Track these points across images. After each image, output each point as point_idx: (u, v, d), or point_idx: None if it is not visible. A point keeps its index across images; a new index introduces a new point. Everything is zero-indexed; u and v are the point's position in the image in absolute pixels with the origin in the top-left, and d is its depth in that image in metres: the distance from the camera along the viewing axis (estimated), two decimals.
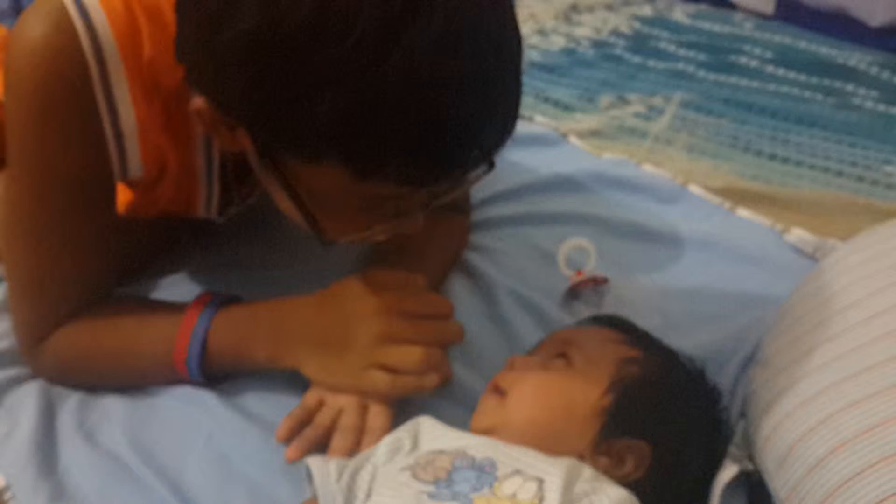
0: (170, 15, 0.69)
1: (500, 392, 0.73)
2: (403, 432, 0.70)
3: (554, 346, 0.76)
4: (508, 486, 0.61)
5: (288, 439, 0.77)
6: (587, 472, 0.63)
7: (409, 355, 0.74)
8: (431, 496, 0.60)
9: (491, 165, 0.69)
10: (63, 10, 0.70)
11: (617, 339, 0.76)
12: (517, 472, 0.62)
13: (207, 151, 0.81)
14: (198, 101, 0.65)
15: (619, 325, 0.80)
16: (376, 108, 0.56)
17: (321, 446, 0.76)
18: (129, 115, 0.74)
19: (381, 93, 0.56)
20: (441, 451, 0.65)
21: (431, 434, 0.70)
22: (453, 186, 0.69)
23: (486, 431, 0.70)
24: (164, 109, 0.75)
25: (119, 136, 0.75)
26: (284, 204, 0.70)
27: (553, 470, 0.62)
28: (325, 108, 0.56)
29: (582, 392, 0.70)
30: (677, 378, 0.75)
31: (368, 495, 0.64)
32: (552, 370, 0.73)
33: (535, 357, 0.76)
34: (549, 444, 0.66)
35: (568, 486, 0.60)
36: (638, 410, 0.70)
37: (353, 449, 0.75)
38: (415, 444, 0.69)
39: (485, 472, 0.62)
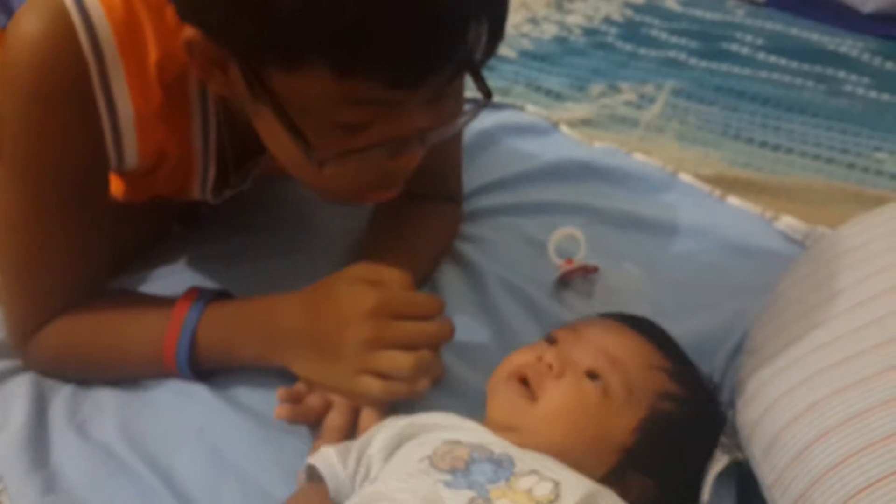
0: (170, 8, 0.69)
1: (530, 393, 0.69)
2: (402, 427, 0.70)
3: (590, 355, 0.71)
4: (525, 482, 0.61)
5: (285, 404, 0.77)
6: (608, 498, 0.63)
7: (401, 362, 0.72)
8: (448, 485, 0.60)
9: (487, 95, 0.69)
10: (60, 5, 0.70)
11: (658, 366, 0.72)
12: (534, 471, 0.62)
13: (204, 132, 0.81)
14: (188, 31, 0.65)
15: (661, 343, 0.76)
16: None
17: (311, 420, 0.77)
18: (127, 109, 0.74)
19: None
20: (459, 442, 0.65)
21: (431, 423, 0.70)
22: (446, 116, 0.68)
23: (506, 428, 0.68)
24: (164, 97, 0.75)
25: (117, 130, 0.75)
26: (276, 142, 0.69)
27: (572, 478, 0.62)
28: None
29: (614, 425, 0.68)
30: (703, 419, 0.74)
31: (373, 482, 0.65)
32: (589, 392, 0.68)
33: (570, 362, 0.70)
34: (566, 463, 0.65)
35: (587, 498, 0.60)
36: (659, 452, 0.68)
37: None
38: (412, 437, 0.69)
39: (502, 467, 0.62)
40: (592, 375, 0.70)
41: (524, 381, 0.70)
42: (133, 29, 0.72)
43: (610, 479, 0.65)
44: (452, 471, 0.61)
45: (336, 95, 0.62)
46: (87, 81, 0.72)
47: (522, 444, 0.65)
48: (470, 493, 0.59)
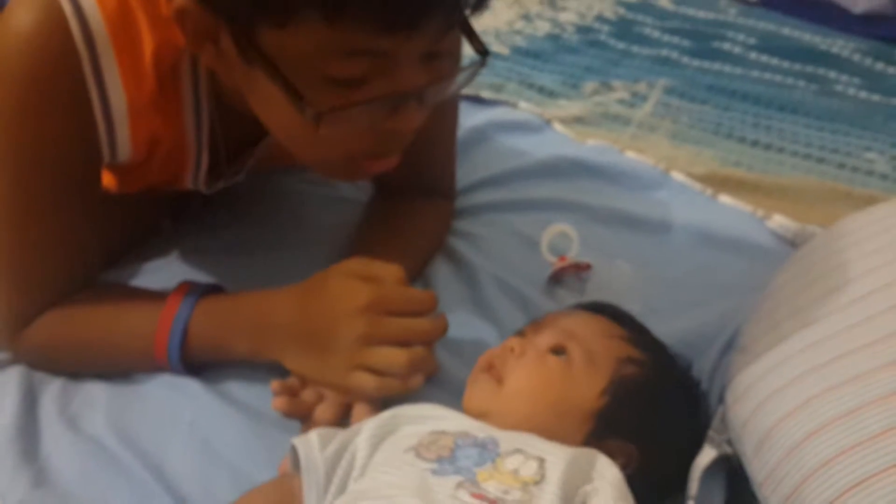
0: None
1: (496, 376, 0.72)
2: (387, 418, 0.70)
3: (554, 334, 0.75)
4: (511, 463, 0.61)
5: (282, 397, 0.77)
6: (589, 456, 0.64)
7: (394, 358, 0.73)
8: (435, 473, 0.61)
9: (483, 55, 0.69)
10: None
11: (617, 335, 0.75)
12: (518, 450, 0.63)
13: (197, 121, 0.80)
14: (179, 1, 0.64)
15: (618, 317, 0.79)
16: None
17: (305, 415, 0.77)
18: (119, 100, 0.74)
19: None
20: (443, 432, 0.65)
21: (416, 415, 0.70)
22: (443, 73, 0.68)
23: (480, 414, 0.70)
24: (157, 86, 0.75)
25: (109, 120, 0.75)
26: (271, 110, 0.69)
27: (555, 451, 0.63)
28: None
29: (580, 392, 0.70)
30: (670, 379, 0.75)
31: (362, 473, 0.65)
32: (552, 366, 0.72)
33: (533, 343, 0.75)
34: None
35: (568, 467, 0.61)
36: (630, 413, 0.70)
37: None
38: (397, 429, 0.69)
39: (487, 449, 0.63)
40: (555, 350, 0.73)
41: (493, 374, 0.73)
42: (126, 19, 0.71)
43: (590, 446, 0.67)
44: (439, 459, 0.62)
45: (329, 47, 0.62)
46: (80, 73, 0.71)
47: (499, 426, 0.67)
48: (457, 478, 0.60)
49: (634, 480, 0.66)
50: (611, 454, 0.67)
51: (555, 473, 0.60)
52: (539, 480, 0.60)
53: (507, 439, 0.64)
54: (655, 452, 0.69)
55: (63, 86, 0.72)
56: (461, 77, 0.71)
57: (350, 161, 0.74)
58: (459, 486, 0.59)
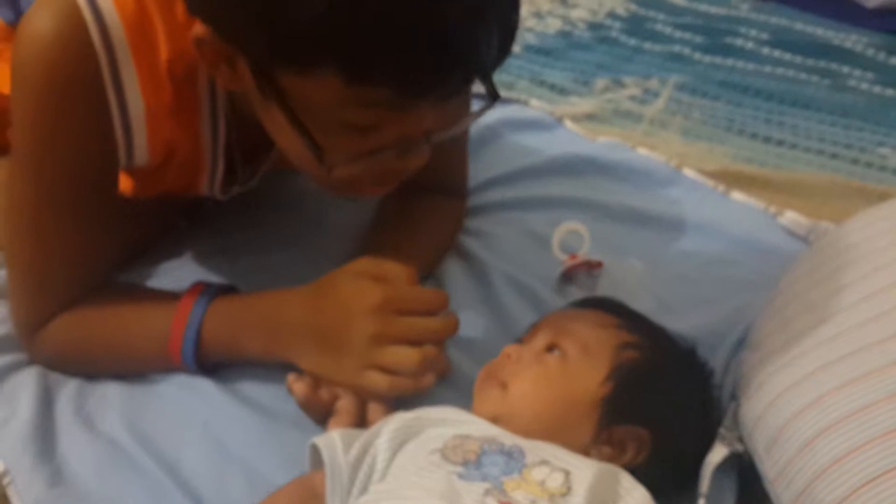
0: (180, 4, 0.70)
1: (499, 383, 0.73)
2: (409, 420, 0.70)
3: (547, 334, 0.76)
4: (538, 473, 0.62)
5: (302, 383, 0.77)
6: (614, 474, 0.64)
7: (407, 357, 0.73)
8: (461, 476, 0.61)
9: (494, 98, 0.69)
10: (72, 2, 0.70)
11: (610, 324, 0.76)
12: (544, 461, 0.63)
13: (214, 128, 0.81)
14: (198, 28, 0.65)
15: (611, 308, 0.80)
16: (358, 1, 0.56)
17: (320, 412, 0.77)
18: (137, 105, 0.74)
19: None
20: (469, 436, 0.66)
21: (439, 418, 0.71)
22: (454, 116, 0.69)
23: (491, 421, 0.70)
24: (174, 94, 0.76)
25: (127, 126, 0.75)
26: (284, 139, 0.70)
27: (580, 464, 0.63)
28: (307, 4, 0.57)
29: (581, 383, 0.71)
30: (672, 360, 0.76)
31: (384, 475, 0.65)
32: (549, 363, 0.73)
33: (529, 346, 0.75)
34: (554, 436, 0.67)
35: (595, 483, 0.61)
36: (636, 397, 0.70)
37: None
38: (420, 431, 0.70)
39: (513, 458, 0.63)
40: (550, 348, 0.74)
41: (497, 381, 0.73)
42: (144, 25, 0.72)
43: (601, 436, 0.68)
44: (465, 463, 0.62)
45: (346, 99, 0.63)
46: (99, 78, 0.72)
47: (512, 430, 0.68)
48: (485, 485, 0.60)
49: (650, 468, 0.66)
50: (623, 440, 0.68)
51: (581, 486, 0.61)
52: (566, 493, 0.60)
53: (533, 449, 0.65)
54: (668, 434, 0.70)
55: (82, 91, 0.72)
56: (469, 118, 0.74)
57: (356, 187, 0.76)
58: (487, 492, 0.59)
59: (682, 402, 0.73)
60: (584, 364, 0.72)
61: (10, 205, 0.80)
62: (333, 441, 0.68)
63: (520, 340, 0.78)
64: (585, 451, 0.68)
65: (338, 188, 0.77)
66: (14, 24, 0.92)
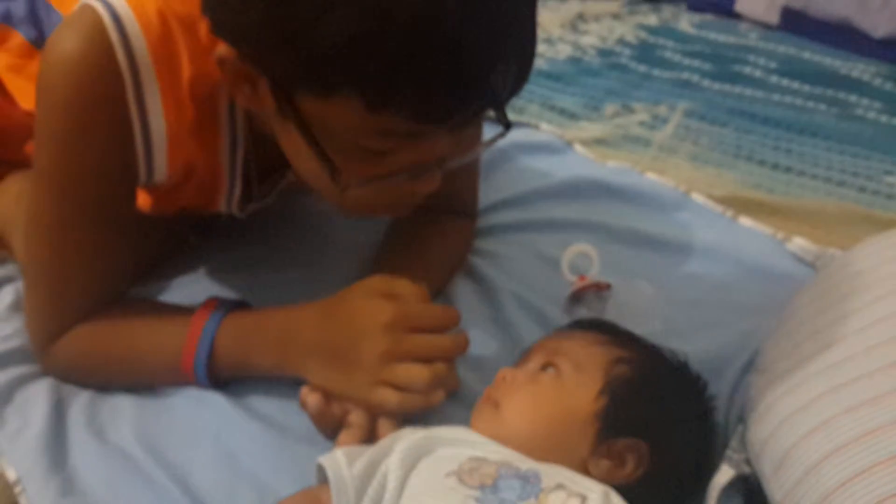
0: (203, 25, 0.71)
1: (493, 403, 0.74)
2: (420, 439, 0.70)
3: (541, 355, 0.76)
4: (554, 499, 0.62)
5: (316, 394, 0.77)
6: (619, 499, 0.65)
7: (417, 374, 0.74)
8: (478, 501, 0.61)
9: (506, 127, 0.71)
10: (99, 23, 0.71)
11: (602, 341, 0.77)
12: (560, 486, 0.63)
13: (232, 148, 0.82)
14: (222, 48, 0.67)
15: (602, 328, 0.81)
16: (384, 31, 0.58)
17: (331, 427, 0.78)
18: (160, 125, 0.76)
19: (387, 15, 0.57)
20: (485, 459, 0.66)
21: (451, 437, 0.71)
22: (467, 143, 0.70)
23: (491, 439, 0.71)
24: (195, 113, 0.77)
25: (148, 145, 0.77)
26: (301, 159, 0.71)
27: (596, 488, 0.63)
28: (334, 32, 0.58)
29: (575, 399, 0.71)
30: (665, 372, 0.76)
31: (397, 495, 0.65)
32: (543, 382, 0.73)
33: (524, 368, 0.76)
34: (552, 453, 0.68)
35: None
36: (632, 409, 0.71)
37: None
38: (432, 450, 0.70)
39: (529, 483, 0.63)
40: (543, 367, 0.75)
41: (492, 402, 0.74)
42: (168, 46, 0.73)
43: (600, 450, 0.68)
44: (481, 487, 0.63)
45: (364, 125, 0.64)
46: (123, 97, 0.73)
47: (510, 447, 0.68)
48: None
49: (650, 482, 0.66)
50: (622, 454, 0.68)
51: None
52: None
53: (549, 473, 0.65)
54: (666, 446, 0.70)
55: (106, 110, 0.74)
56: (481, 146, 0.75)
57: (369, 209, 0.77)
58: None
59: (679, 413, 0.73)
60: (578, 380, 0.72)
61: (28, 218, 0.81)
62: (337, 458, 0.68)
63: (516, 365, 0.79)
64: (584, 466, 0.68)
65: (350, 210, 0.78)
66: (35, 41, 0.94)
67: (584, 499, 0.62)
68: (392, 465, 0.67)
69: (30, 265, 0.82)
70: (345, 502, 0.66)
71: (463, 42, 0.59)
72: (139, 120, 0.75)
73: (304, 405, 0.78)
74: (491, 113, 0.71)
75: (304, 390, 0.78)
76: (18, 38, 0.95)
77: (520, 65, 0.65)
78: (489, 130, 0.77)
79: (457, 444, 0.70)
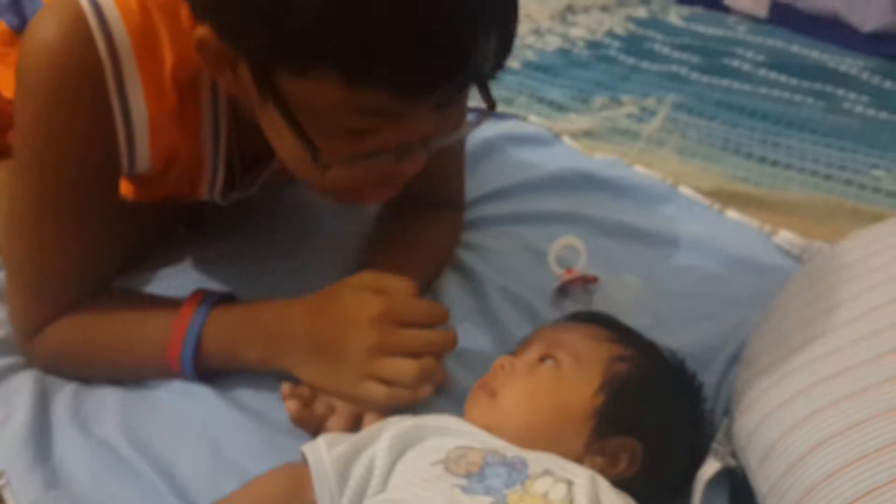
0: (184, 10, 0.70)
1: (489, 392, 0.73)
2: (409, 428, 0.70)
3: (540, 346, 0.76)
4: (540, 485, 0.62)
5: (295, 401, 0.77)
6: (606, 483, 0.65)
7: (405, 369, 0.74)
8: (464, 490, 0.61)
9: (491, 106, 0.70)
10: (78, 10, 0.70)
11: (603, 337, 0.77)
12: (547, 472, 0.63)
13: (215, 135, 0.82)
14: (201, 31, 0.66)
15: (603, 322, 0.81)
16: (359, 3, 0.57)
17: (314, 426, 0.77)
18: (141, 113, 0.75)
19: None
20: (471, 448, 0.66)
21: (439, 426, 0.71)
22: (451, 124, 0.69)
23: (484, 429, 0.70)
24: (177, 101, 0.76)
25: (130, 133, 0.76)
26: (281, 141, 0.70)
27: (583, 473, 0.64)
28: (308, 4, 0.57)
29: (573, 394, 0.71)
30: (663, 373, 0.76)
31: (384, 481, 0.65)
32: (542, 374, 0.73)
33: (522, 358, 0.76)
34: (546, 445, 0.68)
35: (593, 493, 0.62)
36: (629, 408, 0.71)
37: None
38: (420, 440, 0.70)
39: (516, 470, 0.63)
40: (543, 359, 0.74)
41: (488, 391, 0.74)
42: (148, 33, 0.73)
43: (594, 447, 0.68)
44: (468, 475, 0.62)
45: (344, 102, 0.63)
46: (103, 85, 0.73)
47: (504, 438, 0.68)
48: (488, 499, 0.60)
49: (642, 480, 0.67)
50: (615, 452, 0.68)
51: (583, 498, 0.61)
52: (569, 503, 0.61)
53: (536, 460, 0.65)
54: (659, 447, 0.70)
55: (86, 99, 0.73)
56: (467, 127, 0.73)
57: (353, 192, 0.76)
58: None
59: (674, 415, 0.74)
60: (577, 374, 0.72)
61: (10, 208, 0.80)
62: (318, 445, 0.68)
63: (512, 353, 0.79)
64: (578, 461, 0.68)
65: (334, 193, 0.77)
66: (18, 29, 0.93)
67: (570, 484, 0.62)
68: (380, 452, 0.67)
69: (11, 255, 0.81)
70: (325, 485, 0.66)
71: (441, 12, 0.58)
72: (120, 108, 0.74)
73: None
74: (478, 102, 0.71)
75: (285, 389, 0.78)
76: (1, 25, 0.95)
77: (501, 37, 0.64)
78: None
79: (445, 434, 0.69)
